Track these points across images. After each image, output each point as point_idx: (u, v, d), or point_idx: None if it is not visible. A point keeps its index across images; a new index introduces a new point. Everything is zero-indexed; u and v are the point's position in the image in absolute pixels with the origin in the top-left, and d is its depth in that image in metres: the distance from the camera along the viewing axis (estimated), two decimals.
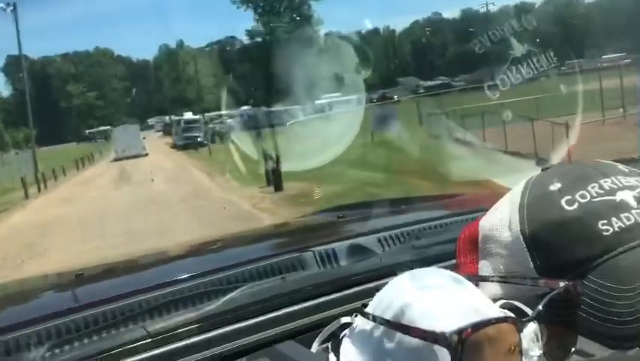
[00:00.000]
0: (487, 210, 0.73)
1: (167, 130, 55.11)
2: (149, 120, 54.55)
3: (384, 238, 1.19)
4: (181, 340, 0.86)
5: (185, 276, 1.06)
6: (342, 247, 1.16)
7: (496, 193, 1.00)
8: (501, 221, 0.67)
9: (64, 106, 71.39)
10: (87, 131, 62.97)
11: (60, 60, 75.08)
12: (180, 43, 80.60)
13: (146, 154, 28.75)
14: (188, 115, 38.57)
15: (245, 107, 53.73)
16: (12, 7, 28.85)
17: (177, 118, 38.53)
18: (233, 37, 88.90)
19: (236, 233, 2.29)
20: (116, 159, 28.21)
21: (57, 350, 0.83)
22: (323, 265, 1.11)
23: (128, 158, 26.63)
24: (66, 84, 72.37)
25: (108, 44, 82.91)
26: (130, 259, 1.71)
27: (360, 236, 1.23)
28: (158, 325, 0.88)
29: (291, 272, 1.07)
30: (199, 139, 29.89)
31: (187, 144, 29.31)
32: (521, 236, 0.63)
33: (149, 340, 0.85)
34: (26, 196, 16.16)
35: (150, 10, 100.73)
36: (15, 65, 62.69)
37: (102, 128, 63.66)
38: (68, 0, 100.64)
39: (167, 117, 65.26)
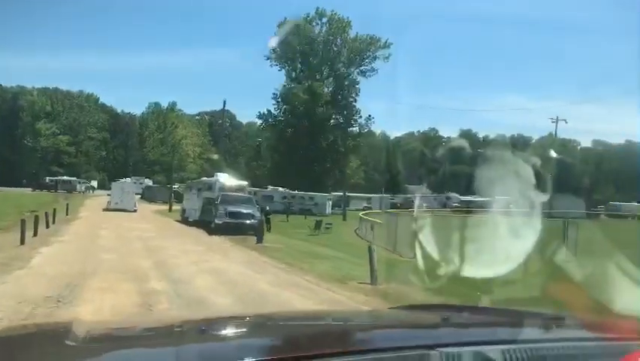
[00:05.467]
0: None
1: (148, 195, 45.67)
2: (124, 179, 44.87)
3: (507, 351, 1.20)
4: None
5: (317, 352, 1.16)
6: (467, 352, 1.19)
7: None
8: None
9: (29, 145, 61.03)
10: (48, 178, 52.63)
11: (37, 93, 65.72)
12: (172, 105, 73.24)
13: (135, 210, 29.44)
14: (223, 177, 23.70)
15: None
16: None
17: (207, 180, 25.23)
18: (227, 110, 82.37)
19: (357, 312, 2.38)
20: (108, 209, 28.69)
21: None
22: None
23: (119, 210, 27.83)
24: (37, 121, 62.50)
25: (94, 90, 75.39)
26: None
27: (484, 345, 1.24)
28: None
29: None
30: (254, 221, 17.93)
31: (230, 226, 17.96)
32: None
33: None
34: None
35: (147, 66, 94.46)
36: None
37: (67, 178, 53.68)
38: (59, 29, 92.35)
39: (146, 179, 55.81)
